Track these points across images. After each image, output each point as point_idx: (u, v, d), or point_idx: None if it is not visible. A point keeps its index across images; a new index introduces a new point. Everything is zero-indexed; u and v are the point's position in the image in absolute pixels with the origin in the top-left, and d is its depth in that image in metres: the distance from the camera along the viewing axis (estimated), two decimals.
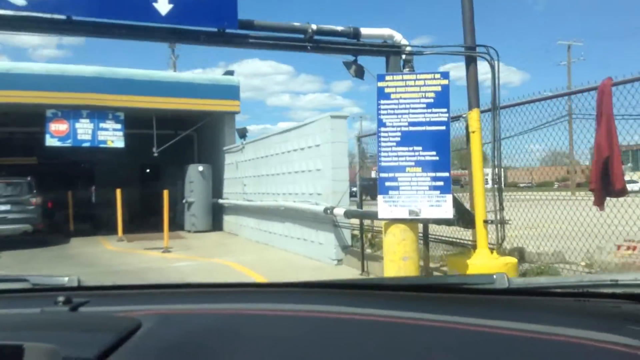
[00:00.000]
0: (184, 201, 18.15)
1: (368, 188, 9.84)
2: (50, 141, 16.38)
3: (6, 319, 1.36)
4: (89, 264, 11.51)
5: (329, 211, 9.91)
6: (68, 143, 16.54)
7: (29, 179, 15.70)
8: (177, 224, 19.37)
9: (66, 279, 1.69)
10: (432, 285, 1.59)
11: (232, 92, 17.99)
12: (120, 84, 16.81)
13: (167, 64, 44.30)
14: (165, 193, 14.37)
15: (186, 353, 1.05)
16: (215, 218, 18.50)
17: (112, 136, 16.89)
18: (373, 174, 11.48)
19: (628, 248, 6.89)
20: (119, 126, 16.97)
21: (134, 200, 24.03)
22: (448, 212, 5.96)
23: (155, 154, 18.03)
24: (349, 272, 9.40)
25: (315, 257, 10.89)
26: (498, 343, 1.10)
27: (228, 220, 18.10)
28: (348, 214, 9.32)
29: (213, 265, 10.75)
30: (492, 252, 6.38)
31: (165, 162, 22.87)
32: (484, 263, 6.10)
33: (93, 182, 25.99)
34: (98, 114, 16.77)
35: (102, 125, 16.79)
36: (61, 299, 1.41)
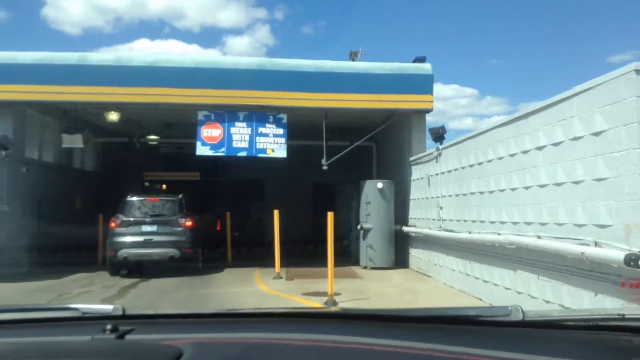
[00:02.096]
0: (358, 227, 14.05)
1: None
2: (202, 149, 13.47)
3: (59, 345, 1.48)
4: None
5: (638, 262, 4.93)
6: (221, 152, 13.50)
7: (180, 196, 13.78)
8: (350, 256, 15.42)
9: (112, 307, 1.77)
10: (448, 317, 1.63)
11: (423, 84, 13.62)
12: (282, 78, 13.42)
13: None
14: (330, 217, 10.40)
15: None
16: (399, 251, 14.12)
17: (273, 144, 13.50)
18: None
19: None
20: (281, 131, 13.54)
21: (299, 223, 20.75)
22: None
23: (325, 167, 14.26)
24: None
25: None
26: None
27: (416, 255, 13.59)
28: None
29: None
30: None
31: (336, 178, 19.28)
32: None
33: (253, 201, 23.29)
34: (257, 116, 13.53)
35: (261, 130, 13.51)
36: (109, 327, 1.50)
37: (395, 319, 1.65)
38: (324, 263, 12.90)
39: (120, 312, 1.74)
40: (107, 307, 1.78)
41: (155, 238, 12.74)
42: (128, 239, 12.70)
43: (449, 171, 10.96)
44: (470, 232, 9.57)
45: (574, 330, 1.45)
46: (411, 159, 13.92)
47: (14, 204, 13.27)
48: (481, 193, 9.26)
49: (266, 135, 13.48)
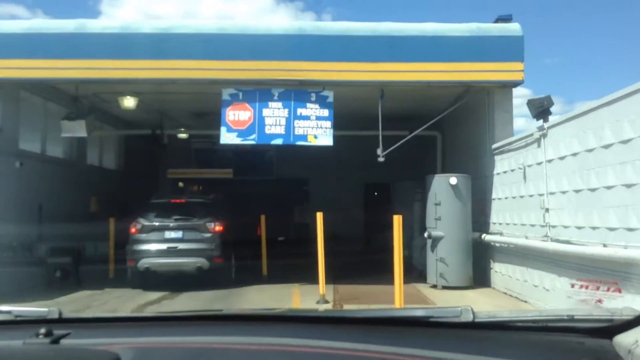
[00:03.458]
0: (425, 235, 10.98)
1: None
2: (227, 137, 10.73)
3: None
4: None
5: None
6: (251, 140, 10.72)
7: (210, 198, 12.39)
8: (412, 270, 12.41)
9: (47, 309, 1.68)
10: (397, 318, 1.62)
11: (510, 48, 10.45)
12: (328, 45, 10.54)
13: None
14: (397, 222, 7.58)
15: None
16: (476, 265, 10.98)
17: (316, 128, 10.64)
18: None
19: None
20: (325, 112, 10.65)
21: (348, 229, 17.82)
22: None
23: (381, 158, 11.30)
24: None
25: None
26: None
27: (502, 271, 10.42)
28: None
29: None
30: None
31: (390, 176, 16.40)
32: None
33: (296, 203, 20.45)
34: (295, 93, 10.70)
35: (300, 111, 10.66)
36: (42, 331, 1.42)
37: (343, 321, 1.61)
38: (380, 279, 10.11)
39: (56, 315, 1.64)
40: (42, 310, 1.67)
41: (181, 246, 11.17)
42: (150, 246, 11.18)
43: (562, 158, 7.79)
44: (605, 245, 6.42)
45: (524, 332, 1.46)
46: (494, 146, 10.77)
47: (7, 205, 10.89)
48: (628, 186, 6.09)
49: (307, 117, 10.61)
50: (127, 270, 11.44)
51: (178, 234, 11.27)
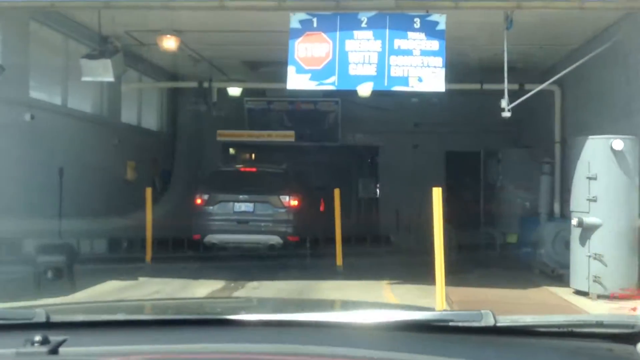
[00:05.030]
0: (574, 222, 7.77)
1: None
2: (296, 80, 7.81)
3: None
4: None
5: None
6: (329, 84, 7.79)
7: (284, 168, 11.39)
8: (531, 267, 9.56)
9: (34, 311, 1.44)
10: (416, 323, 1.49)
11: None
12: None
13: None
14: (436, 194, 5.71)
15: None
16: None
17: (421, 67, 7.57)
18: None
19: None
20: (434, 44, 7.58)
21: (425, 207, 14.69)
22: None
23: (507, 113, 8.23)
24: None
25: None
26: None
27: None
28: None
29: None
30: None
31: (482, 142, 13.61)
32: None
33: (363, 173, 18.05)
34: (392, 19, 7.65)
35: (399, 43, 7.61)
36: (37, 338, 1.22)
37: (360, 327, 1.48)
38: (495, 278, 7.58)
39: (43, 319, 1.40)
40: (28, 312, 1.46)
41: (252, 220, 10.40)
42: (217, 220, 10.41)
43: None
44: None
45: (549, 337, 1.40)
46: None
47: (10, 169, 8.45)
48: None
49: (408, 52, 7.55)
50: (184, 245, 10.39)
51: (249, 207, 10.41)
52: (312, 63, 7.68)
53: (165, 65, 13.26)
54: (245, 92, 14.73)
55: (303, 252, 10.58)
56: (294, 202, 10.44)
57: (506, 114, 8.25)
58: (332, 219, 10.35)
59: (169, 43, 10.40)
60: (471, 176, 15.23)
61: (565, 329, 1.40)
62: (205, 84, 12.52)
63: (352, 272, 9.38)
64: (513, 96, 15.57)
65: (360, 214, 16.29)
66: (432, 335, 1.39)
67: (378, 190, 17.53)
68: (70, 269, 7.68)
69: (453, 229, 12.42)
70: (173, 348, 1.30)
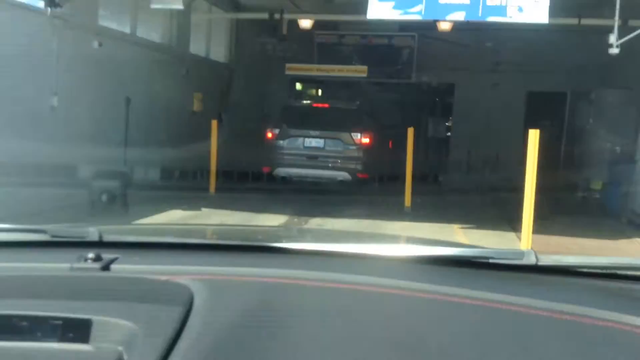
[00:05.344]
0: None
1: None
2: (378, 9, 7.08)
3: (33, 280, 1.21)
4: None
5: None
6: (415, 12, 7.01)
7: (357, 104, 11.25)
8: (609, 214, 8.77)
9: (86, 230, 1.47)
10: (458, 258, 1.48)
11: None
12: None
13: None
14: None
15: (248, 335, 0.98)
16: None
17: None
18: None
19: None
20: None
21: (504, 153, 13.73)
22: None
23: (615, 49, 7.26)
24: None
25: None
26: (525, 322, 1.08)
27: None
28: None
29: None
30: None
31: (568, 82, 12.71)
32: None
33: (438, 113, 17.45)
34: None
35: None
36: (91, 255, 1.25)
37: (400, 259, 1.50)
38: (580, 225, 7.04)
39: (96, 238, 1.44)
40: (82, 231, 1.48)
41: (322, 156, 10.43)
42: (288, 154, 10.48)
43: None
44: None
45: (592, 278, 1.37)
46: None
47: (78, 98, 8.29)
48: None
49: None
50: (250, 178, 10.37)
51: (319, 143, 10.40)
52: None
53: None
54: (317, 26, 14.00)
55: (371, 190, 10.37)
56: (365, 140, 10.39)
57: (614, 51, 7.30)
58: (401, 157, 9.78)
59: None
60: (555, 118, 14.19)
61: (609, 271, 1.39)
62: (277, 15, 11.86)
63: (421, 213, 8.86)
64: (601, 34, 14.19)
65: (433, 155, 15.67)
66: (472, 271, 1.38)
67: (451, 131, 16.71)
68: (124, 196, 7.63)
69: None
70: (218, 270, 1.30)
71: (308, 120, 10.57)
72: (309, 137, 10.45)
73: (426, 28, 14.00)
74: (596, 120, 10.34)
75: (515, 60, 15.02)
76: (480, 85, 15.95)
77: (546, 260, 1.38)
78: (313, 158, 10.47)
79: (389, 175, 10.27)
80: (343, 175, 10.33)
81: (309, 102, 11.84)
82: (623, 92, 9.65)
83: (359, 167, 10.37)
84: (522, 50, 14.27)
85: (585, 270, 1.40)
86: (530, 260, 1.34)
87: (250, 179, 10.60)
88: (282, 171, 10.51)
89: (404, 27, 14.96)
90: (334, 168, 10.44)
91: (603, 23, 10.69)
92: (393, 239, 2.22)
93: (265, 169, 10.50)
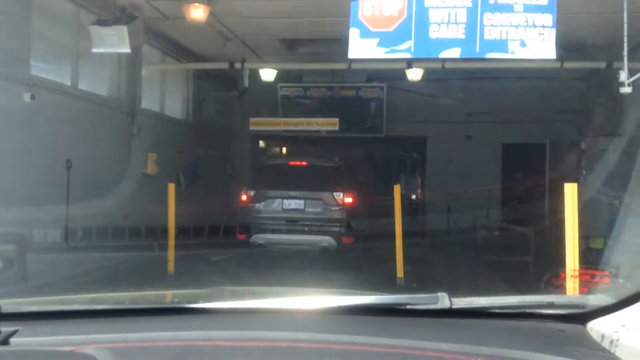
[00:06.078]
0: None
1: None
2: (360, 47, 6.17)
3: None
4: None
5: None
6: (403, 50, 6.09)
7: (337, 161, 10.46)
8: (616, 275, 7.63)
9: None
10: (372, 307, 1.53)
11: None
12: None
13: None
14: None
15: None
16: None
17: (525, 28, 5.82)
18: None
19: None
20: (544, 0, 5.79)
21: (479, 210, 12.83)
22: None
23: (627, 88, 6.44)
24: None
25: None
26: None
27: None
28: None
29: None
30: None
31: (544, 133, 12.79)
32: None
33: (409, 168, 16.70)
34: None
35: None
36: None
37: (320, 312, 1.51)
38: None
39: None
40: None
41: (303, 220, 9.74)
42: (265, 219, 9.71)
43: None
44: None
45: (504, 319, 1.42)
46: None
47: (4, 159, 6.97)
48: None
49: (507, 8, 5.84)
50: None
51: (299, 205, 9.65)
52: (380, 24, 6.02)
53: (191, 45, 11.74)
54: (279, 78, 13.15)
55: (357, 256, 9.54)
56: (348, 200, 9.71)
57: (626, 90, 6.43)
58: (384, 217, 9.05)
59: (198, 13, 8.87)
60: (533, 171, 13.50)
61: (518, 310, 1.44)
62: (238, 65, 10.92)
63: (416, 285, 7.73)
64: (580, 79, 13.62)
65: (414, 215, 14.75)
66: (390, 319, 1.40)
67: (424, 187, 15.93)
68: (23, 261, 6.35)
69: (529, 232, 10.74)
70: (128, 336, 1.24)
71: (286, 179, 9.89)
72: (287, 198, 9.68)
73: (395, 78, 13.40)
74: (589, 172, 9.58)
75: (490, 109, 14.53)
76: (452, 137, 15.31)
77: (460, 303, 1.43)
78: (292, 221, 9.72)
79: (375, 238, 9.30)
80: (327, 240, 9.49)
81: (285, 160, 11.44)
82: (618, 140, 8.97)
83: (344, 231, 9.67)
84: (496, 96, 13.81)
85: (497, 311, 1.47)
86: (445, 304, 1.39)
87: (217, 251, 9.39)
88: (260, 238, 9.57)
89: (372, 77, 14.34)
90: (316, 232, 9.72)
91: (588, 65, 10.12)
92: (313, 291, 2.12)
93: (241, 236, 9.60)
